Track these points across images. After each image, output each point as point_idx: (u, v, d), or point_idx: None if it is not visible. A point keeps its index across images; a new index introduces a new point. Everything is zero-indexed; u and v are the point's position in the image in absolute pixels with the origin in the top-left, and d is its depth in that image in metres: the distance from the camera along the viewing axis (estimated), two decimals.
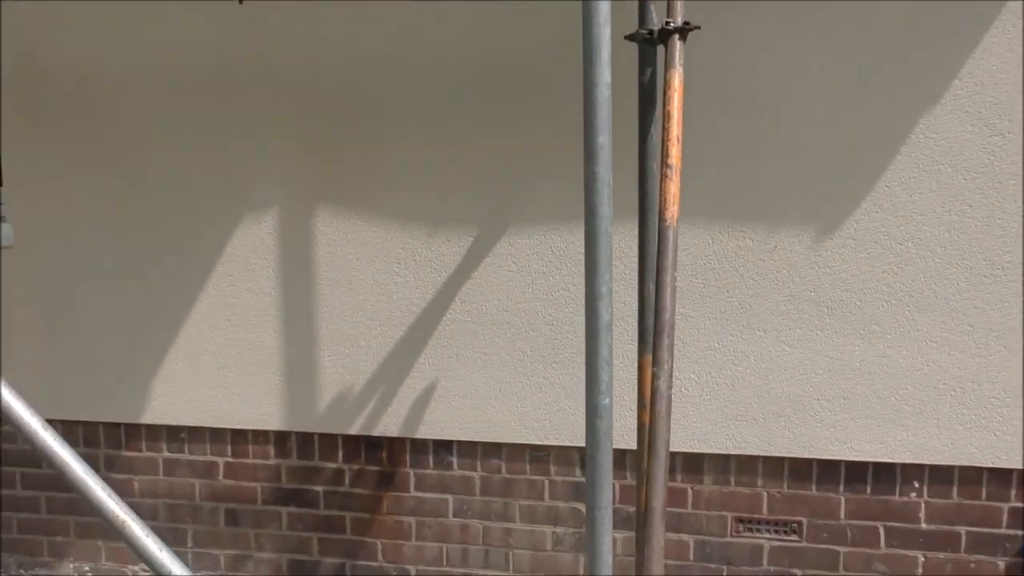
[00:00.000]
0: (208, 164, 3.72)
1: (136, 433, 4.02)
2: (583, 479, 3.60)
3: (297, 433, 3.87)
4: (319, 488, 3.89)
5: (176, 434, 3.97)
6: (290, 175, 3.68)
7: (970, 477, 3.36)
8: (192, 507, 4.02)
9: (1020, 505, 3.34)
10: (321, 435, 3.85)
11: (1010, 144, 3.14)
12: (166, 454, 4.01)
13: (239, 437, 3.92)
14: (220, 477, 3.97)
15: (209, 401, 3.89)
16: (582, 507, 3.64)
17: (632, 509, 3.54)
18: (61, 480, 2.02)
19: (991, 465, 3.31)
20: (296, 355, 3.79)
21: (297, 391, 3.81)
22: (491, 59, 3.43)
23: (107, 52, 3.73)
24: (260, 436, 3.90)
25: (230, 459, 3.95)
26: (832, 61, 3.20)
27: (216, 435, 3.94)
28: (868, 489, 3.44)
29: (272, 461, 3.91)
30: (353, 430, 3.78)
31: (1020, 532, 3.34)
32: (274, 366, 3.81)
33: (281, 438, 3.89)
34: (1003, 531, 3.35)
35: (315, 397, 3.79)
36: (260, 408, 3.85)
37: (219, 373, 3.86)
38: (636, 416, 2.69)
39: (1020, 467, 3.30)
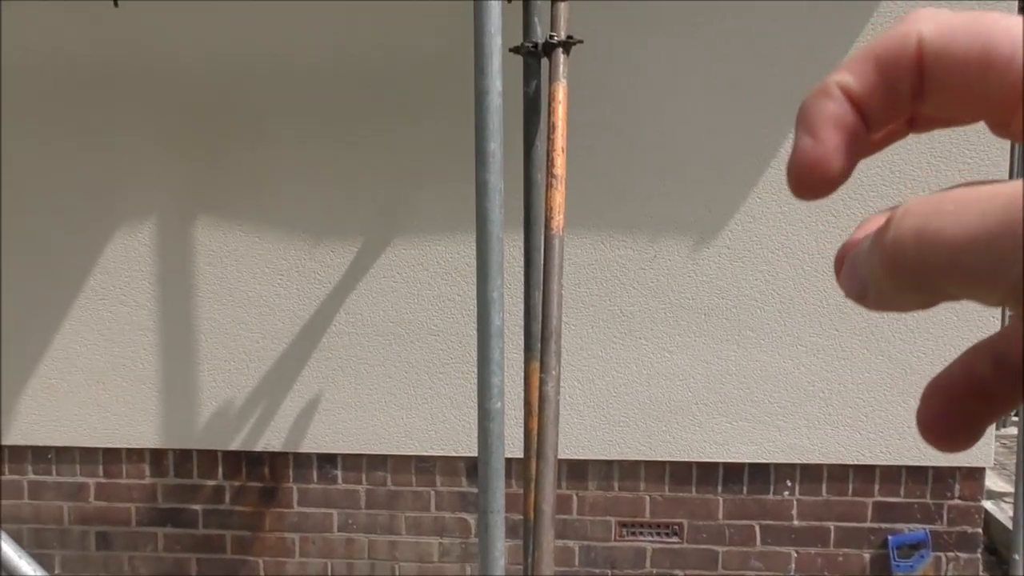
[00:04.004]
0: (79, 169, 3.58)
1: None
2: (470, 489, 3.61)
3: (174, 450, 3.75)
4: (197, 507, 3.78)
5: (43, 455, 3.79)
6: (168, 182, 3.57)
7: (837, 474, 3.52)
8: (60, 531, 3.84)
9: (883, 499, 3.52)
10: (200, 452, 3.74)
11: (873, 158, 3.31)
12: (32, 476, 3.82)
13: (112, 456, 3.77)
14: (91, 499, 3.80)
15: (80, 419, 3.73)
16: (468, 517, 3.65)
17: (518, 517, 3.57)
18: None
19: (856, 462, 3.49)
20: (173, 370, 3.68)
21: (174, 407, 3.69)
22: (378, 63, 3.42)
23: None
24: (135, 454, 3.76)
25: (102, 479, 3.79)
26: (709, 74, 3.32)
27: (87, 455, 3.78)
28: (744, 489, 3.57)
29: (147, 480, 3.78)
30: (234, 446, 3.69)
31: (884, 525, 3.52)
32: (150, 381, 3.68)
33: (157, 456, 3.76)
34: (868, 524, 3.53)
35: (193, 413, 3.69)
36: (134, 426, 3.71)
37: (90, 390, 3.70)
38: (523, 423, 2.72)
39: (882, 463, 3.48)
